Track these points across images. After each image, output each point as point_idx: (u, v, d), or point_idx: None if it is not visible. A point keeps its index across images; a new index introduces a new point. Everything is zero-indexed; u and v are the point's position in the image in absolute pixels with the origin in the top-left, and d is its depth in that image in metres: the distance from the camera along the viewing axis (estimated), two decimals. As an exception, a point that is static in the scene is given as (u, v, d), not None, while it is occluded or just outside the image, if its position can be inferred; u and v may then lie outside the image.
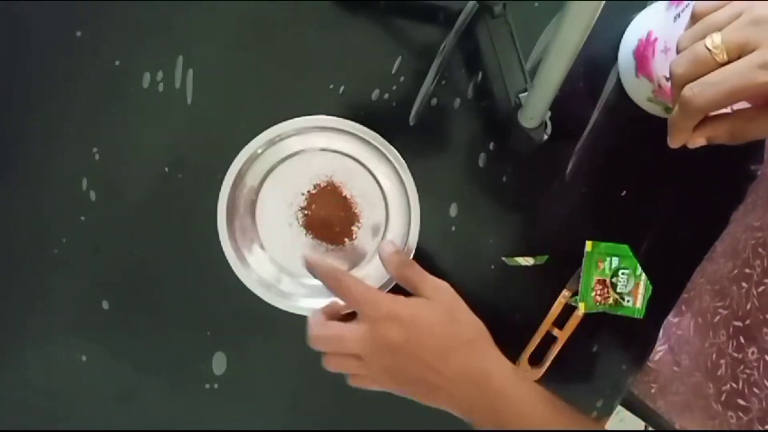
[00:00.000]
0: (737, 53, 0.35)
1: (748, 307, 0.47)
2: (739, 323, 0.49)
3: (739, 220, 0.53)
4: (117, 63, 0.55)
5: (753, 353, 0.47)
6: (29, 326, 0.59)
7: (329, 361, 0.48)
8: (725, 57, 0.35)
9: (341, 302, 0.51)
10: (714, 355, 0.51)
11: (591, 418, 0.50)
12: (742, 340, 0.48)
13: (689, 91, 0.36)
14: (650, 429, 0.83)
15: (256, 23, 0.55)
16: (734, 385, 0.49)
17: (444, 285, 0.49)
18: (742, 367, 0.48)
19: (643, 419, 0.81)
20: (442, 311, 0.47)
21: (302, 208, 0.57)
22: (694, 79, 0.36)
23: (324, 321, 0.49)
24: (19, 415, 0.60)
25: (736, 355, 0.49)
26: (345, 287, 0.48)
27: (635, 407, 0.76)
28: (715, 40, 0.35)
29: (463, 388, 0.46)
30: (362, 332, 0.46)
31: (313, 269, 0.52)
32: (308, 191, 0.57)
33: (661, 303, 0.58)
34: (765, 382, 0.45)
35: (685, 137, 0.39)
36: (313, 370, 0.53)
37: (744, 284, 0.48)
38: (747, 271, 0.48)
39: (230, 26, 0.55)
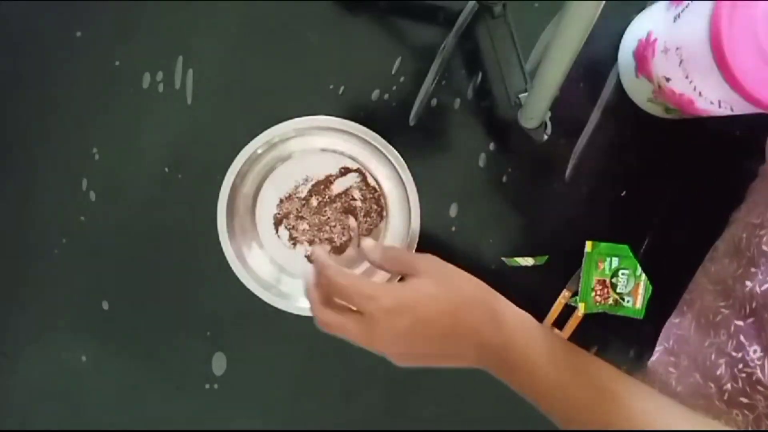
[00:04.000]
0: None
1: (753, 305, 0.47)
2: (741, 322, 0.49)
3: (741, 219, 0.53)
4: (117, 63, 0.55)
5: (755, 352, 0.47)
6: (29, 326, 0.59)
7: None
8: None
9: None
10: (713, 355, 0.51)
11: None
12: (742, 338, 0.48)
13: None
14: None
15: (256, 23, 0.55)
16: (735, 385, 0.49)
17: (429, 256, 0.49)
18: (741, 365, 0.48)
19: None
20: (438, 281, 0.46)
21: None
22: None
23: (325, 306, 0.47)
24: (19, 415, 0.60)
25: (735, 354, 0.49)
26: (342, 292, 0.46)
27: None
28: None
29: (474, 338, 0.45)
30: (365, 328, 0.45)
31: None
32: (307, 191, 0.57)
33: (661, 303, 0.58)
34: None
35: None
36: (313, 371, 0.53)
37: (748, 283, 0.48)
38: (752, 269, 0.48)
39: (230, 26, 0.55)
